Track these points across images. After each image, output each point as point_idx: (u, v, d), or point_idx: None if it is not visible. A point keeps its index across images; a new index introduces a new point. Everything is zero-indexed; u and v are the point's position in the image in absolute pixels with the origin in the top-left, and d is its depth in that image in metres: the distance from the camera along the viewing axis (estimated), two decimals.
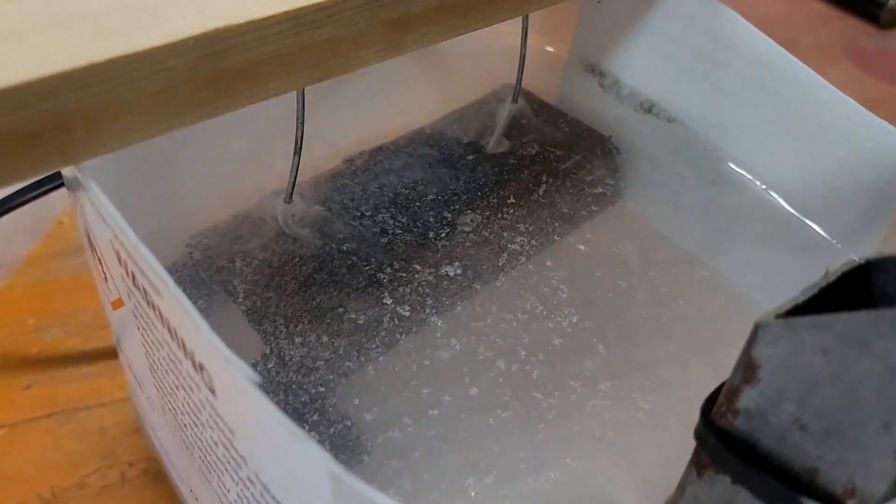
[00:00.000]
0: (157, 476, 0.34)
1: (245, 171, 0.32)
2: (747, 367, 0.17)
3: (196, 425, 0.20)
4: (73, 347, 0.39)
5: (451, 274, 0.31)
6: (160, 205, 0.31)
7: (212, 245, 0.30)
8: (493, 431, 0.27)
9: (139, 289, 0.19)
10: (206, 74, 0.20)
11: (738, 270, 0.32)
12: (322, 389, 0.27)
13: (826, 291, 0.18)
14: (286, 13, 0.20)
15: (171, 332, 0.18)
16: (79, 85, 0.18)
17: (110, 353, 0.39)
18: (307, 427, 0.26)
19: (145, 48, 0.18)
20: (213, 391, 0.17)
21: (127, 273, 0.19)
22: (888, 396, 0.15)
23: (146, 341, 0.21)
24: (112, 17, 0.19)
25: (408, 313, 0.29)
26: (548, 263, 0.32)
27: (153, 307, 0.18)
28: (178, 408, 0.21)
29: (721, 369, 0.28)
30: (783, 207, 0.32)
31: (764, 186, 0.32)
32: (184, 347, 0.17)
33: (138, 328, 0.21)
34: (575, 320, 0.30)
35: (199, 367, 0.17)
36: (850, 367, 0.15)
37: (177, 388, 0.20)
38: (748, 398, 0.17)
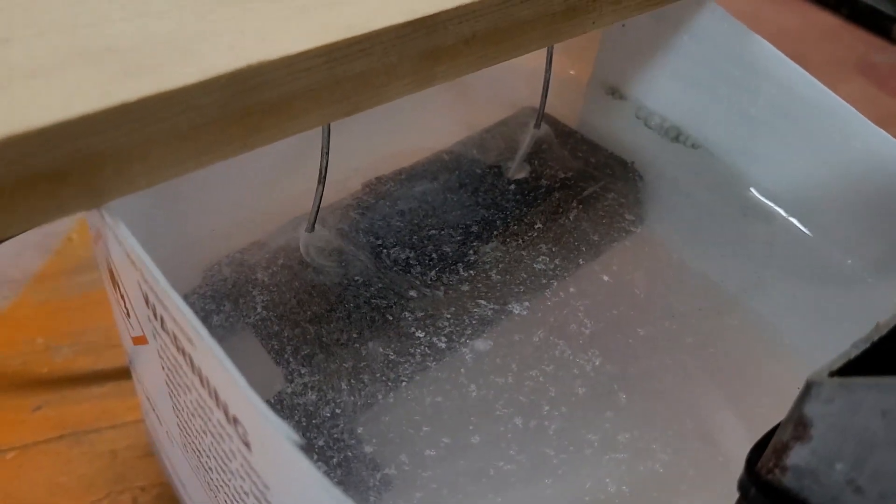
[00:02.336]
0: (170, 502, 0.33)
1: (263, 195, 0.32)
2: (798, 424, 0.16)
3: (224, 472, 0.19)
4: (83, 367, 0.39)
5: (480, 307, 0.30)
6: (177, 229, 0.30)
7: (230, 272, 0.30)
8: (493, 482, 0.26)
9: (168, 333, 0.18)
10: (236, 111, 0.19)
11: (770, 310, 0.31)
12: (339, 412, 0.27)
13: (877, 344, 0.17)
14: (319, 48, 0.20)
15: (203, 381, 0.17)
16: (109, 125, 0.17)
17: (121, 374, 0.39)
18: (315, 455, 0.26)
19: (178, 86, 0.18)
20: (247, 445, 0.16)
21: (154, 316, 0.19)
22: None
23: (171, 382, 0.20)
24: (142, 54, 0.18)
25: (437, 346, 0.29)
26: (571, 290, 0.31)
27: (183, 353, 0.18)
28: (204, 451, 0.20)
29: (750, 417, 0.27)
30: (812, 240, 0.31)
31: (792, 218, 0.31)
32: (216, 397, 0.17)
33: (163, 368, 0.21)
34: (598, 363, 0.29)
35: (234, 420, 0.17)
36: None
37: (204, 432, 0.19)
38: (798, 456, 0.17)
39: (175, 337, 0.18)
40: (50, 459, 0.35)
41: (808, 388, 0.16)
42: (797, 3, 0.70)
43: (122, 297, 0.22)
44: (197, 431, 0.20)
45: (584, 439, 0.27)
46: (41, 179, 0.17)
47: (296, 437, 0.14)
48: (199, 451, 0.21)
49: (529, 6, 0.24)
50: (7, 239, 0.20)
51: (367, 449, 0.27)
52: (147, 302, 0.19)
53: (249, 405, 0.15)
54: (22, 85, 0.17)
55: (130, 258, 0.18)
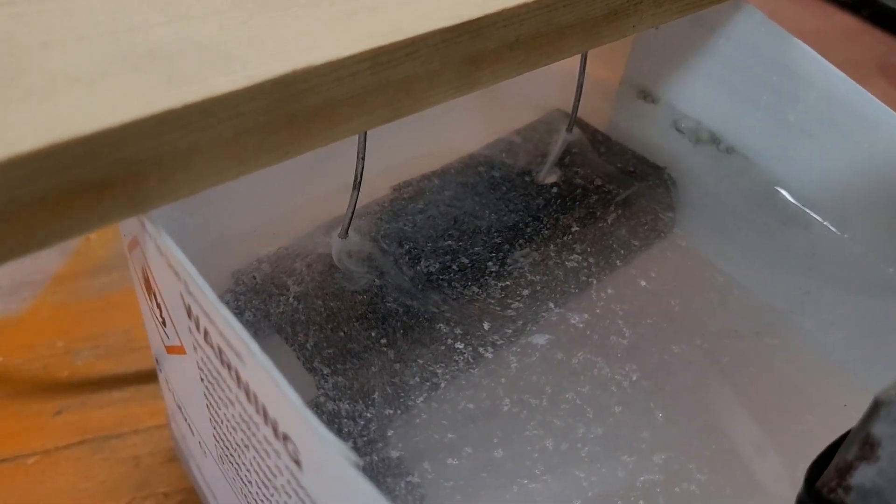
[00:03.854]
0: None
1: (291, 198, 0.31)
2: (864, 444, 0.16)
3: (267, 487, 0.19)
4: (104, 371, 0.39)
5: (515, 315, 0.30)
6: (203, 232, 0.30)
7: (262, 275, 0.29)
8: (518, 500, 0.25)
9: (212, 346, 0.18)
10: (280, 118, 0.19)
11: (812, 322, 0.30)
12: (369, 416, 0.26)
13: None
14: (365, 53, 0.19)
15: (250, 396, 0.17)
16: (154, 133, 0.17)
17: (143, 378, 0.38)
18: None
19: (223, 92, 0.17)
20: (297, 463, 0.16)
21: (197, 328, 0.18)
22: None
23: (210, 394, 0.20)
24: (185, 60, 0.18)
25: (471, 354, 0.28)
26: (609, 291, 0.31)
27: (228, 367, 0.17)
28: (245, 465, 0.20)
29: (792, 434, 0.27)
30: (852, 248, 0.30)
31: (831, 226, 0.31)
32: (264, 414, 0.17)
33: (202, 380, 0.20)
34: (635, 378, 0.28)
35: (283, 437, 0.16)
36: None
37: (246, 447, 0.19)
38: (864, 476, 0.16)
39: (220, 350, 0.17)
40: (72, 465, 0.35)
41: (877, 408, 0.16)
42: (817, 4, 0.70)
43: (157, 305, 0.21)
44: (237, 445, 0.20)
45: (619, 461, 0.26)
46: (84, 189, 0.16)
47: (354, 457, 0.14)
48: (237, 464, 0.21)
49: (572, 10, 0.23)
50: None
51: (394, 454, 0.26)
52: (189, 313, 0.18)
53: (305, 424, 0.14)
54: (64, 92, 0.17)
55: (174, 269, 0.18)
